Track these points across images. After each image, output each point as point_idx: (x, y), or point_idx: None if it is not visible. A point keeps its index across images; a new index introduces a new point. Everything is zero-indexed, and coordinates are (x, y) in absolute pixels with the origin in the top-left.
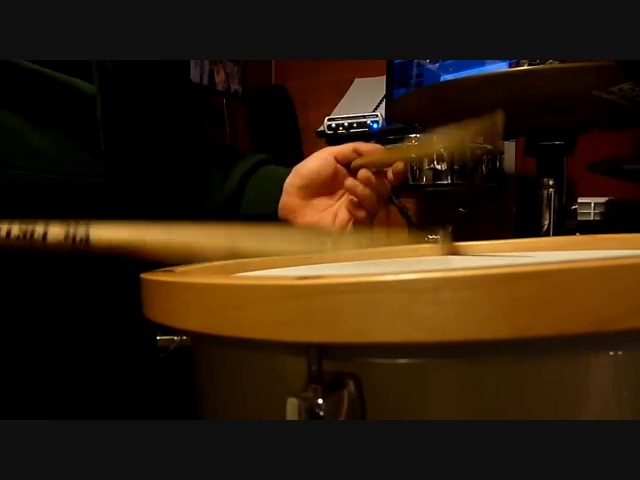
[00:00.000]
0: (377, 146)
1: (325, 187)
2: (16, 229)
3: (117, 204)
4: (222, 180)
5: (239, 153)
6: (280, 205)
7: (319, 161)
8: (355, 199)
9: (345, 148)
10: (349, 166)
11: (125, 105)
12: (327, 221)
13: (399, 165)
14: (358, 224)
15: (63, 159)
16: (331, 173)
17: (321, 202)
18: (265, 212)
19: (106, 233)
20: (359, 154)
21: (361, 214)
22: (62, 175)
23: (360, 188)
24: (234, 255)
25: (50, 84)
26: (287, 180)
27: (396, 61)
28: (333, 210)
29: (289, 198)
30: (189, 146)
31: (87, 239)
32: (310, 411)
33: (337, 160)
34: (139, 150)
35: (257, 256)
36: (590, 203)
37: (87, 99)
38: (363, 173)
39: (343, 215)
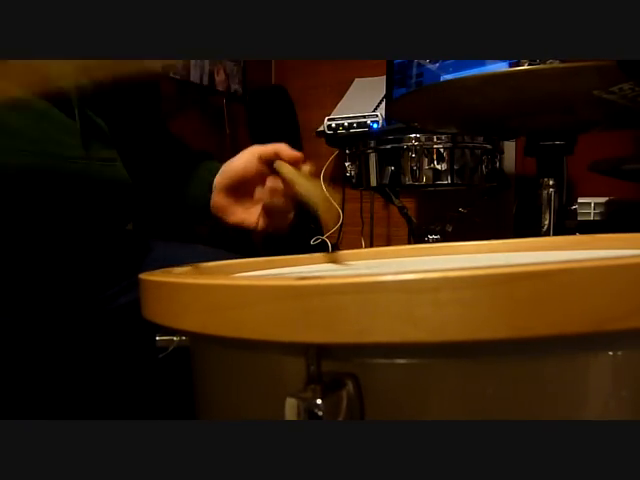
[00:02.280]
0: (299, 155)
1: (250, 186)
2: None
3: (97, 184)
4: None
5: (187, 148)
6: (211, 203)
7: (244, 161)
8: (268, 205)
9: (268, 149)
10: (271, 166)
11: (100, 85)
12: (251, 220)
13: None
14: (275, 224)
15: (41, 139)
16: (255, 172)
17: (247, 201)
18: (198, 204)
19: None
20: (280, 157)
21: (275, 217)
22: (41, 154)
23: (268, 197)
24: None
25: None
26: (216, 179)
27: (396, 61)
28: (257, 209)
29: (218, 197)
30: (152, 132)
31: None
32: (309, 411)
33: (261, 160)
34: (115, 131)
35: None
36: (590, 203)
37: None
38: (270, 182)
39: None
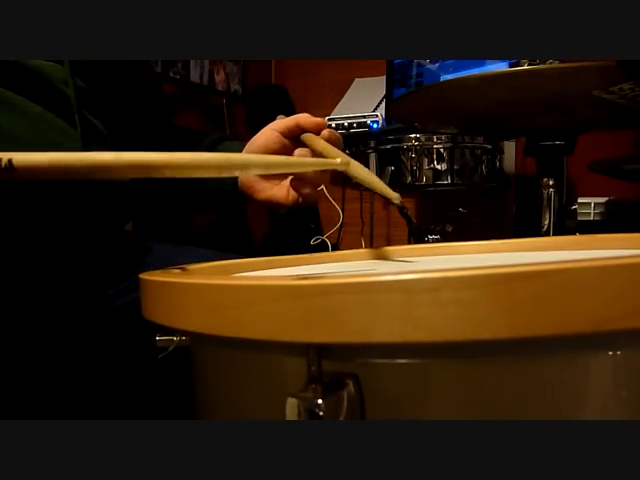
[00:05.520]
0: (321, 120)
1: None
2: None
3: (97, 185)
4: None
5: (201, 134)
6: (239, 181)
7: (266, 138)
8: (297, 177)
9: (289, 122)
10: (295, 139)
11: (97, 87)
12: (281, 195)
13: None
14: (306, 197)
15: (39, 142)
16: (279, 147)
17: (273, 177)
18: (226, 188)
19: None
20: (302, 127)
21: (305, 190)
22: None
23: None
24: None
25: (19, 69)
26: None
27: (396, 61)
28: (285, 184)
29: (245, 176)
30: (156, 129)
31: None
32: (310, 411)
33: (283, 135)
34: (114, 133)
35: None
36: (590, 203)
37: (59, 82)
38: (298, 152)
39: (293, 191)
